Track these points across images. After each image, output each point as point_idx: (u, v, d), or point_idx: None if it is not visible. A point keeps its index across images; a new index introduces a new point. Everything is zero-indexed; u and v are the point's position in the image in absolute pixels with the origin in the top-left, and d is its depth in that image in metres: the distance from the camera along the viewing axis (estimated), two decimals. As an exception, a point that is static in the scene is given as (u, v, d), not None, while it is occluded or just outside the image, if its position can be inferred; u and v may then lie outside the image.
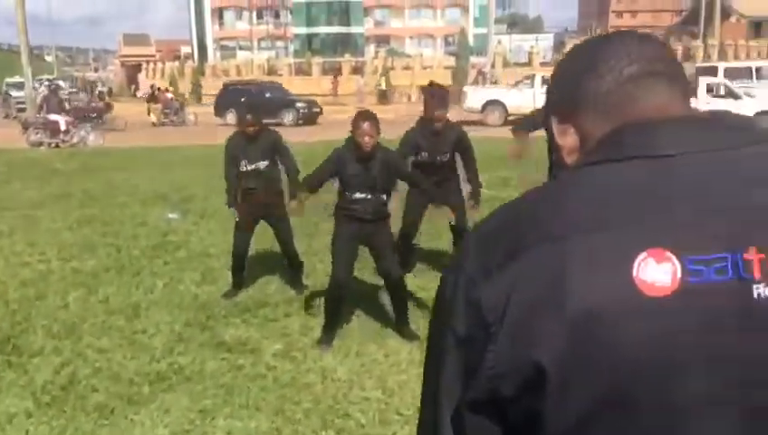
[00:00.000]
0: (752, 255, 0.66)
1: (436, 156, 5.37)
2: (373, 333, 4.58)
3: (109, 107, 26.29)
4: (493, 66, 33.46)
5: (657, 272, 0.66)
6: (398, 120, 24.02)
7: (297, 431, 3.39)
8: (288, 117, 24.69)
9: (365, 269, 5.78)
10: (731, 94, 18.23)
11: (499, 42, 43.49)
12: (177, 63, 45.96)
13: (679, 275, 0.66)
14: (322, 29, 64.88)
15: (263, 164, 5.25)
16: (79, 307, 5.22)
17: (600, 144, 0.79)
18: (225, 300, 5.31)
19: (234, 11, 65.50)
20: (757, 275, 0.66)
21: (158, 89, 29.81)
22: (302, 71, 40.71)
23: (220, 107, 26.10)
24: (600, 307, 0.66)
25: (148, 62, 50.35)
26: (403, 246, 5.52)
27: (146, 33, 67.12)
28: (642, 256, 0.67)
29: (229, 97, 26.13)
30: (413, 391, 3.74)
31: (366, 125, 4.27)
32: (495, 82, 30.89)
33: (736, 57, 40.17)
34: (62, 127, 18.44)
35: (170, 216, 8.66)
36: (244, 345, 4.44)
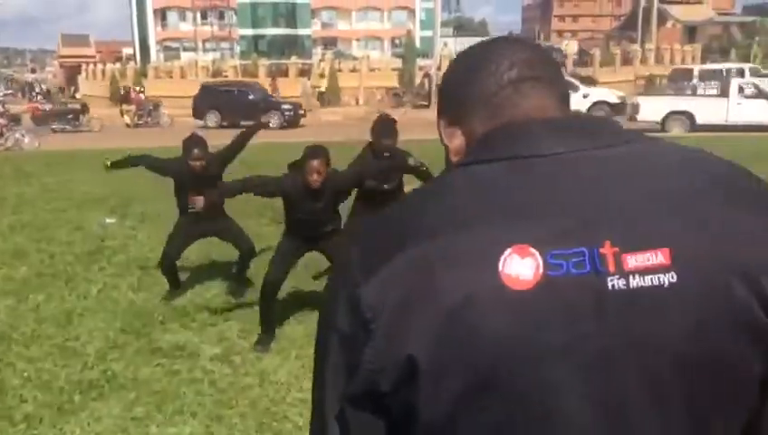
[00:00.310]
0: (606, 249, 0.70)
1: (383, 184, 5.37)
2: (314, 336, 4.56)
3: (85, 108, 25.72)
4: (439, 68, 33.70)
5: (520, 266, 0.69)
6: (345, 122, 24.11)
7: (232, 436, 3.36)
8: (274, 120, 23.59)
9: (307, 273, 5.77)
10: (762, 95, 18.67)
11: (445, 44, 43.84)
12: (118, 65, 44.84)
13: (541, 269, 0.69)
14: (269, 30, 64.30)
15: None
16: (8, 316, 5.05)
17: (476, 146, 0.82)
18: (165, 305, 5.21)
19: (177, 11, 64.25)
20: (611, 268, 0.69)
21: (131, 89, 28.96)
22: (248, 72, 40.14)
23: (199, 108, 25.17)
24: (469, 301, 0.69)
25: (87, 63, 48.94)
26: None
27: (86, 33, 65.26)
28: (507, 251, 0.69)
29: (209, 98, 25.29)
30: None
31: (315, 163, 4.21)
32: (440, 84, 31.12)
33: (672, 61, 41.52)
34: (-4, 130, 17.82)
35: (107, 220, 8.46)
36: (181, 350, 4.38)
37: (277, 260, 4.56)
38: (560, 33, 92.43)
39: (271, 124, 22.54)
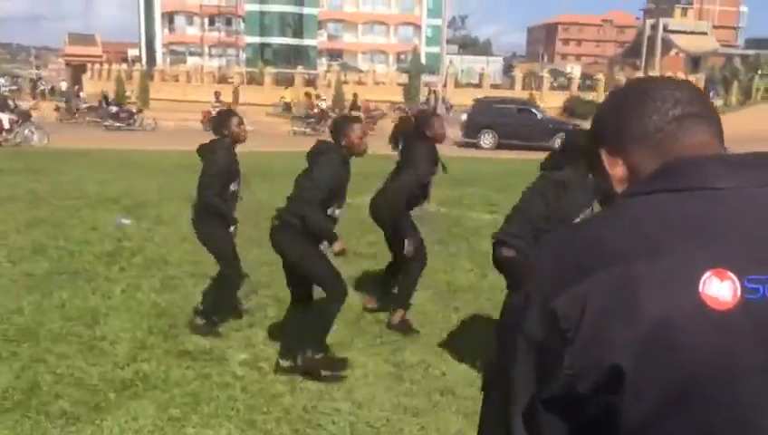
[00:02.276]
0: None
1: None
2: (340, 345, 4.62)
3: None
4: (445, 85, 34.00)
5: (720, 289, 0.77)
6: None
7: (268, 441, 3.40)
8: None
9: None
10: None
11: (450, 62, 44.24)
12: (124, 66, 44.98)
13: (739, 292, 0.77)
14: (275, 39, 64.58)
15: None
16: (34, 312, 5.08)
17: (655, 175, 0.89)
18: (189, 308, 5.23)
19: (185, 16, 64.55)
20: None
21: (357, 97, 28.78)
22: (253, 80, 40.39)
23: (472, 127, 22.18)
24: (671, 317, 0.77)
25: (93, 62, 49.10)
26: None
27: (92, 33, 65.32)
28: (707, 274, 0.77)
29: (484, 115, 22.09)
30: (381, 404, 3.81)
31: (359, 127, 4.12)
32: (447, 102, 31.31)
33: (675, 90, 41.86)
34: (5, 125, 17.84)
35: (123, 221, 8.50)
36: (210, 354, 4.42)
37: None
38: (563, 56, 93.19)
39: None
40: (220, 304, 4.88)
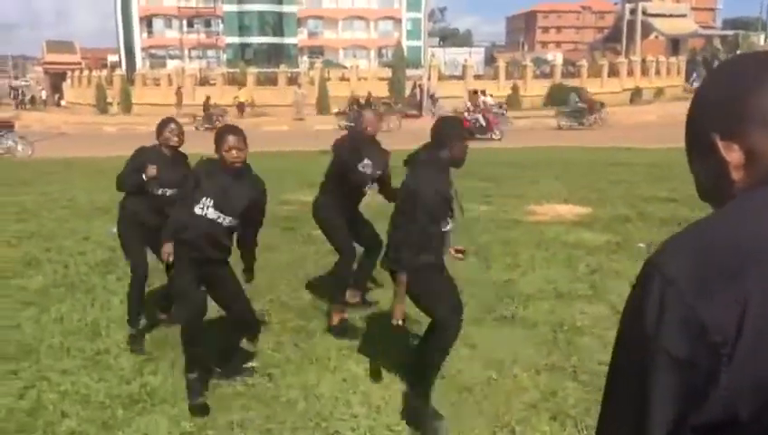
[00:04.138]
0: None
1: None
2: (350, 348, 4.51)
3: None
4: (429, 79, 33.84)
5: None
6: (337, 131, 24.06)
7: (287, 451, 3.30)
8: None
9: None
10: None
11: (433, 55, 44.04)
12: (104, 72, 44.49)
13: None
14: (255, 39, 64.15)
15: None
16: (32, 327, 4.94)
17: None
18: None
19: (163, 19, 63.96)
20: None
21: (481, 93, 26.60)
22: (235, 80, 40.03)
23: None
24: None
25: (73, 69, 48.51)
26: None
27: (70, 40, 64.52)
28: None
29: None
30: (400, 407, 3.70)
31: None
32: (433, 95, 31.20)
33: (658, 73, 41.98)
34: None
35: (114, 230, 8.31)
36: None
37: None
38: (544, 44, 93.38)
39: None
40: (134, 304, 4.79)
